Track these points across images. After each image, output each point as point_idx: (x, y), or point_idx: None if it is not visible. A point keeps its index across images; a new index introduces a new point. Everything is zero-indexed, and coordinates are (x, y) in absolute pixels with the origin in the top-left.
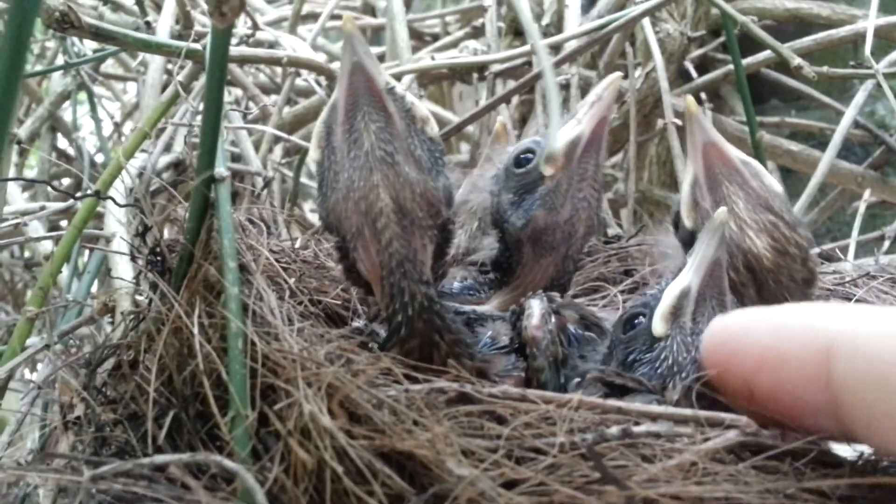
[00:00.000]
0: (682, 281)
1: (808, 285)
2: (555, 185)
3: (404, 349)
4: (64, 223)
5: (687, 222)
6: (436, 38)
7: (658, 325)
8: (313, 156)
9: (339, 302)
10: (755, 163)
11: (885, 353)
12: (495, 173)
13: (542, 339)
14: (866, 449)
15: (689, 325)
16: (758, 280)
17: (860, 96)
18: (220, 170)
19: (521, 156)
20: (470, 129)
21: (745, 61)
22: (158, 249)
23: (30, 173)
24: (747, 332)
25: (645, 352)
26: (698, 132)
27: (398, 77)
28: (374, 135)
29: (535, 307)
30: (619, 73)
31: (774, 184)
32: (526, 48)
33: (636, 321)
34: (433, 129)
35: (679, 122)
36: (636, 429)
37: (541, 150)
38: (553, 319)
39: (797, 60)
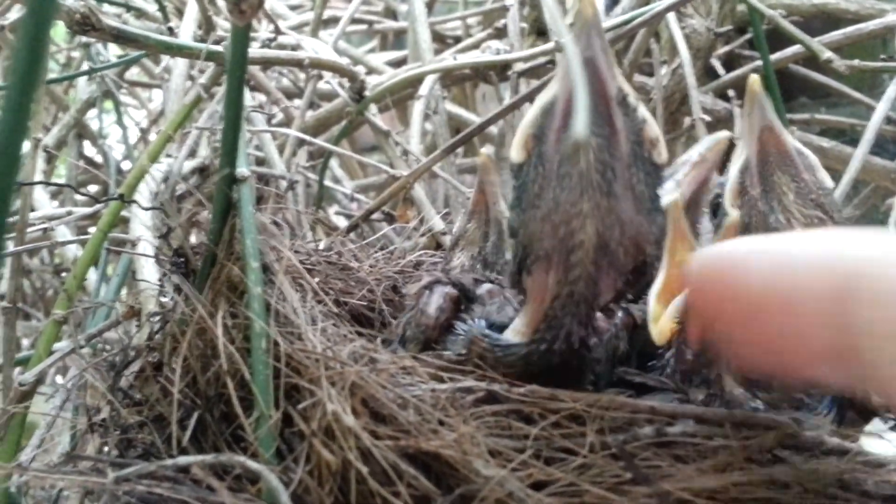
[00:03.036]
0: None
1: None
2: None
3: (525, 369)
4: (92, 229)
5: (729, 209)
6: (458, 40)
7: (656, 335)
8: (516, 157)
9: (364, 303)
10: (810, 154)
11: None
12: None
13: (606, 331)
14: None
15: None
16: None
17: (892, 90)
18: (242, 169)
19: None
20: (492, 129)
21: (773, 57)
22: (182, 251)
23: (58, 181)
24: (745, 265)
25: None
26: (758, 115)
27: (421, 78)
28: (594, 153)
29: None
30: (726, 133)
31: (827, 180)
32: (549, 45)
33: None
34: (661, 156)
35: (707, 117)
36: (670, 429)
37: None
38: (620, 314)
39: (827, 54)
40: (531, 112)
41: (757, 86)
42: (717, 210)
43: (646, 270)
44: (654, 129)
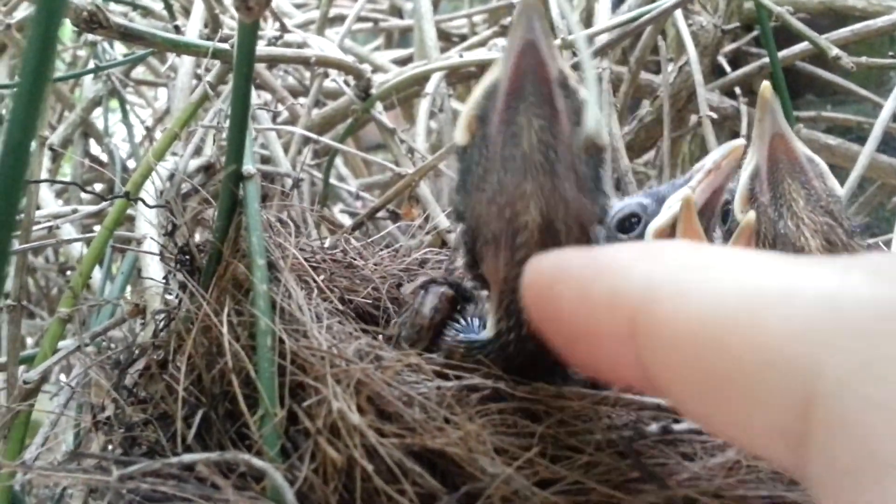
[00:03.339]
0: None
1: None
2: None
3: (508, 361)
4: (98, 227)
5: (738, 215)
6: (463, 38)
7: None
8: (460, 139)
9: (370, 301)
10: (821, 162)
11: (691, 329)
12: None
13: None
14: None
15: None
16: None
17: None
18: (248, 167)
19: (626, 220)
20: None
21: (781, 54)
22: (187, 248)
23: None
24: (557, 292)
25: None
26: (769, 122)
27: (427, 75)
28: (536, 134)
29: None
30: (741, 141)
31: (837, 188)
32: (556, 43)
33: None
34: (602, 138)
35: (714, 115)
36: (676, 426)
37: (647, 214)
38: None
39: (835, 51)
40: (474, 94)
41: (769, 93)
42: (726, 216)
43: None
44: (594, 111)
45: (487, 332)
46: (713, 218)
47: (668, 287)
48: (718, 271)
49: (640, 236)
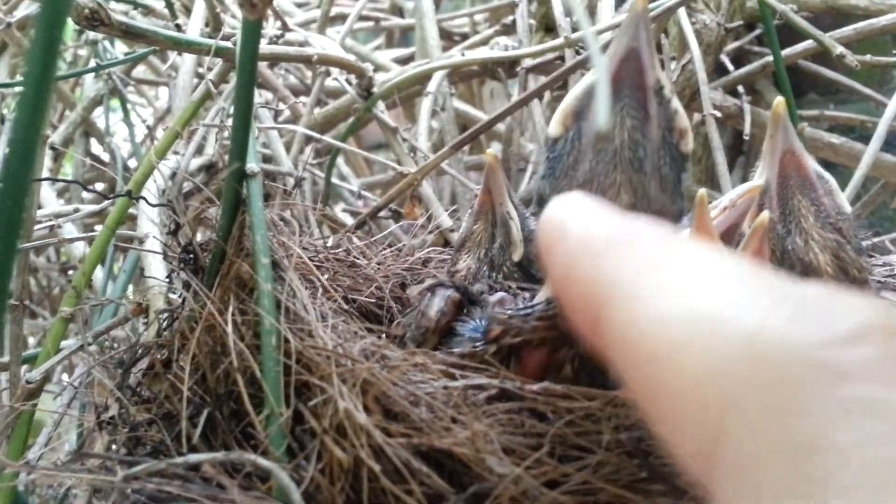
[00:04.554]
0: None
1: None
2: None
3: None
4: (99, 227)
5: (746, 229)
6: (465, 37)
7: None
8: (554, 132)
9: (373, 300)
10: (831, 179)
11: (636, 341)
12: None
13: None
14: None
15: None
16: None
17: None
18: (252, 165)
19: None
20: (500, 126)
21: (784, 52)
22: (190, 247)
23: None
24: (552, 261)
25: None
26: (780, 138)
27: (429, 74)
28: (628, 132)
29: None
30: (759, 182)
31: (846, 205)
32: (559, 41)
33: None
34: (688, 146)
35: (718, 113)
36: None
37: None
38: None
39: (839, 49)
40: (574, 90)
41: (781, 108)
42: None
43: None
44: (683, 120)
45: (541, 296)
46: None
47: (626, 293)
48: (673, 282)
49: None
